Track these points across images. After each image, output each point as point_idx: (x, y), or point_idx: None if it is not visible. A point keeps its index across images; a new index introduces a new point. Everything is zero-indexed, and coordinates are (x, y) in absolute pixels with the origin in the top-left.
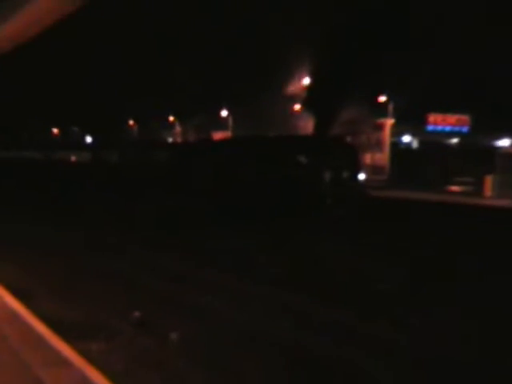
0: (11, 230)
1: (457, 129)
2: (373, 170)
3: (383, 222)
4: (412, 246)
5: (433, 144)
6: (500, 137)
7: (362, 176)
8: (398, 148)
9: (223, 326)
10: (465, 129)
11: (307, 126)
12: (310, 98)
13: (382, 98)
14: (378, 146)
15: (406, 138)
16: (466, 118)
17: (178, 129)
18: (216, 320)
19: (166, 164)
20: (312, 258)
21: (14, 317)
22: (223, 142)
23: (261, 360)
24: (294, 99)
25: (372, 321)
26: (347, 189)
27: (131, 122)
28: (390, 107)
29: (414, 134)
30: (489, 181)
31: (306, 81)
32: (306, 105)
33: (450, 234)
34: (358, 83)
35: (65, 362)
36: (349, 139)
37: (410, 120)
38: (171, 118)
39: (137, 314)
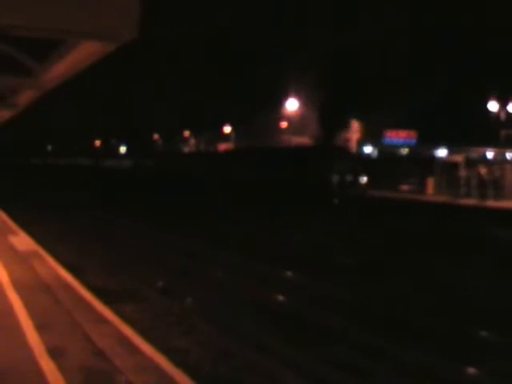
0: None
1: (407, 142)
2: None
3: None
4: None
5: (388, 153)
6: (438, 147)
7: (363, 179)
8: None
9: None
10: (412, 142)
11: (291, 139)
12: (321, 117)
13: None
14: None
15: (368, 149)
16: (413, 133)
17: (192, 142)
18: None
19: (194, 170)
20: (301, 244)
21: (66, 285)
22: (246, 152)
23: (251, 314)
24: (281, 118)
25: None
26: (351, 190)
27: (156, 136)
28: (356, 124)
29: (374, 146)
30: (430, 182)
31: (293, 105)
32: (319, 122)
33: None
34: (351, 109)
35: (105, 320)
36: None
37: (372, 135)
38: (186, 133)
39: (160, 283)
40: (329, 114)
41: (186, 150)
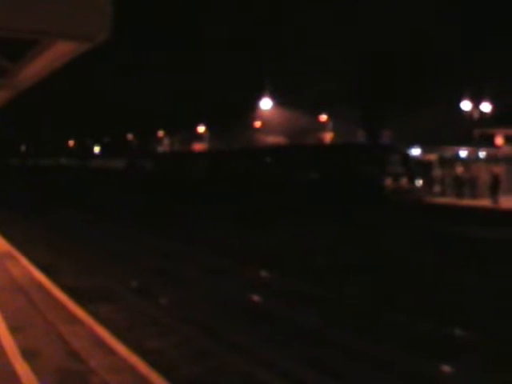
0: None
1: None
2: None
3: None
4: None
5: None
6: (413, 146)
7: (419, 182)
8: None
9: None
10: (386, 140)
11: (265, 138)
12: (365, 116)
13: (324, 117)
14: None
15: None
16: (387, 132)
17: (166, 142)
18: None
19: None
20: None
21: (40, 286)
22: (285, 149)
23: (227, 315)
24: (255, 117)
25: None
26: (406, 195)
27: (130, 136)
28: (330, 124)
29: None
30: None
31: (267, 104)
32: (362, 119)
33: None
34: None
35: (79, 320)
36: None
37: (345, 133)
38: (160, 133)
39: (135, 283)
40: (373, 109)
41: (161, 149)
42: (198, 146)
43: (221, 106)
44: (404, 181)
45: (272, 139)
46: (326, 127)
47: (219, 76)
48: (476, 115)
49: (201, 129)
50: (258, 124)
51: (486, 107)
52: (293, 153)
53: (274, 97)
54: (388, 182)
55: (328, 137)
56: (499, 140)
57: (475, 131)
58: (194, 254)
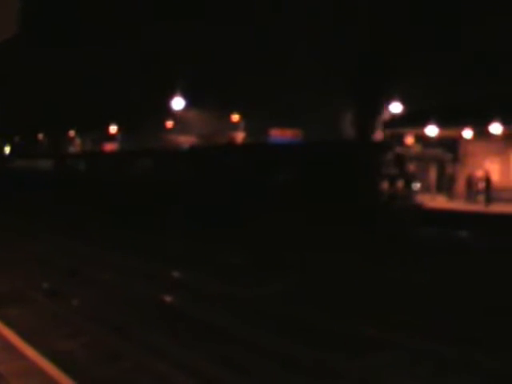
0: None
1: (293, 141)
2: None
3: None
4: None
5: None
6: None
7: (416, 186)
8: None
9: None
10: (298, 140)
11: (178, 139)
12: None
13: (236, 117)
14: None
15: None
16: (299, 131)
17: (77, 141)
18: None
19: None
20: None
21: None
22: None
23: (137, 314)
24: (167, 117)
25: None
26: (402, 201)
27: (40, 136)
28: (242, 124)
29: None
30: None
31: (179, 104)
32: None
33: None
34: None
35: None
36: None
37: (257, 133)
38: (71, 133)
39: (46, 285)
40: (363, 99)
41: (72, 150)
42: (110, 146)
43: (131, 106)
44: (400, 184)
45: (184, 139)
46: (238, 127)
47: (130, 74)
48: (386, 115)
49: (113, 129)
50: (169, 124)
51: (396, 107)
52: (270, 152)
53: (186, 96)
54: (384, 185)
55: (240, 136)
56: (409, 140)
57: (385, 131)
58: (108, 255)
